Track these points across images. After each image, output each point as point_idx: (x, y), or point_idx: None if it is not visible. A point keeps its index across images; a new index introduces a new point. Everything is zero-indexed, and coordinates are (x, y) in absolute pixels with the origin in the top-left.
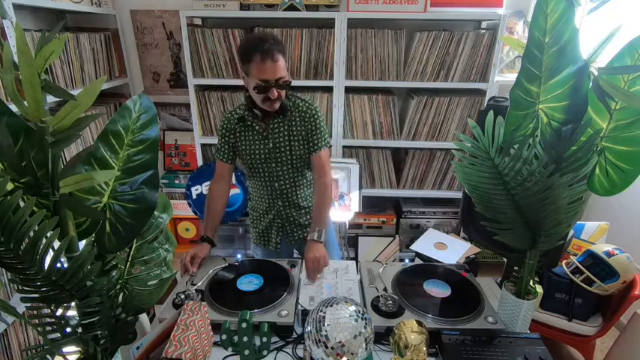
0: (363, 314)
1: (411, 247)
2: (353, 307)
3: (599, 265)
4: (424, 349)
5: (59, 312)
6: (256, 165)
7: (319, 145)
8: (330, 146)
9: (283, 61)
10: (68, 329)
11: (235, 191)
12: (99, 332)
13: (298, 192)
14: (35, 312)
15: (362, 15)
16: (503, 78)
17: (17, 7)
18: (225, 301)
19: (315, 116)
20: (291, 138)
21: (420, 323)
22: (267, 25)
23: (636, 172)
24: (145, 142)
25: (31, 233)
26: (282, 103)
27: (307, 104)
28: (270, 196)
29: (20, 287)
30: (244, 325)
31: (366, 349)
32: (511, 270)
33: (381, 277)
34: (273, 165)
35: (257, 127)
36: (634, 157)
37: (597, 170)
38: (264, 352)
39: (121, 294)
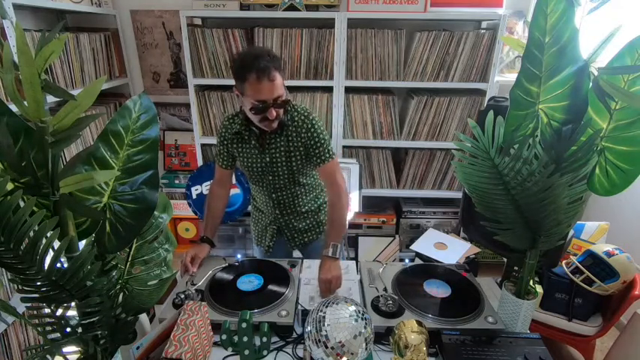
0: (363, 314)
1: (411, 247)
2: (353, 307)
3: (599, 265)
4: (424, 349)
5: (59, 312)
6: (253, 177)
7: (322, 158)
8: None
9: (280, 78)
10: (68, 329)
11: (235, 191)
12: (99, 332)
13: (297, 201)
14: (35, 312)
15: (362, 15)
16: (503, 78)
17: (17, 7)
18: (225, 301)
19: (313, 129)
20: (289, 153)
21: (420, 323)
22: (267, 25)
23: (636, 172)
24: (145, 142)
25: (31, 233)
26: (280, 121)
27: (304, 117)
28: (266, 204)
29: (20, 287)
30: (244, 325)
31: (366, 349)
32: (511, 270)
33: (381, 277)
34: (270, 178)
35: (253, 142)
36: (634, 157)
37: (597, 170)
38: (264, 352)
39: (121, 294)
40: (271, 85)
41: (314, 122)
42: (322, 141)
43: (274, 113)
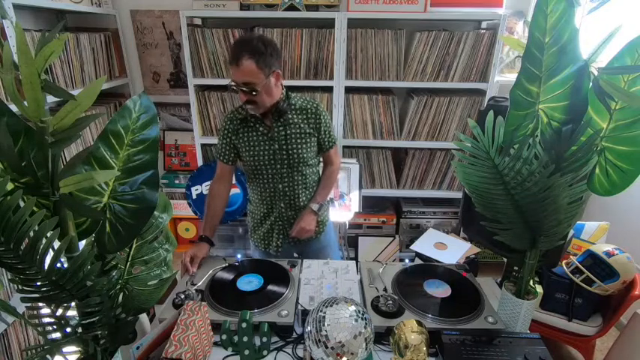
0: (363, 314)
1: (411, 247)
2: (353, 307)
3: (599, 265)
4: (424, 349)
5: (59, 312)
6: (259, 167)
7: (328, 145)
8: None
9: (253, 65)
10: (68, 329)
11: (235, 191)
12: (99, 332)
13: (300, 193)
14: (35, 312)
15: (362, 15)
16: (503, 78)
17: (17, 7)
18: (225, 301)
19: (320, 115)
20: (299, 140)
21: (420, 323)
22: (267, 25)
23: (636, 172)
24: (145, 142)
25: (31, 233)
26: (278, 106)
27: (314, 105)
28: (272, 198)
29: (20, 287)
30: (244, 325)
31: (366, 349)
32: (511, 270)
33: (381, 277)
34: (278, 167)
35: (261, 129)
36: (634, 157)
37: (597, 170)
38: (264, 352)
39: (121, 294)
40: (238, 70)
41: (322, 110)
42: (329, 129)
43: (243, 97)
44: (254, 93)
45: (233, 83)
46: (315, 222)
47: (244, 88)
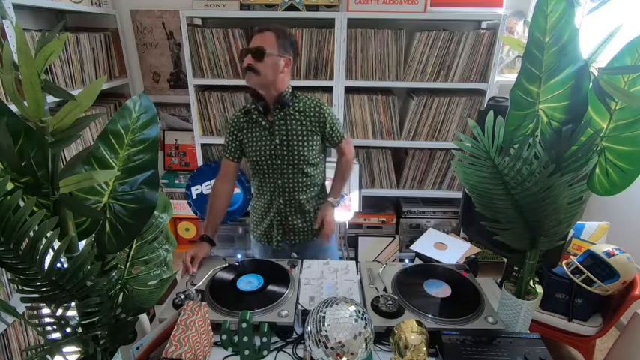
0: (363, 314)
1: (411, 247)
2: (353, 307)
3: (599, 265)
4: (424, 349)
5: (59, 312)
6: (261, 162)
7: (336, 141)
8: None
9: (273, 37)
10: (68, 329)
11: (235, 191)
12: (99, 332)
13: (300, 191)
14: (35, 312)
15: (362, 15)
16: (503, 78)
17: (17, 7)
18: (225, 301)
19: (324, 114)
20: (300, 137)
21: (420, 323)
22: None
23: (636, 172)
24: (145, 142)
25: (31, 233)
26: (281, 97)
27: (317, 103)
28: (271, 193)
29: (20, 287)
30: (244, 325)
31: (366, 349)
32: (511, 270)
33: (381, 277)
34: (279, 162)
35: (263, 123)
36: (634, 157)
37: (597, 170)
38: (264, 352)
39: (121, 294)
40: (257, 37)
41: (326, 107)
42: (336, 124)
43: (250, 60)
44: (261, 56)
45: (244, 50)
46: (333, 215)
47: (255, 52)
